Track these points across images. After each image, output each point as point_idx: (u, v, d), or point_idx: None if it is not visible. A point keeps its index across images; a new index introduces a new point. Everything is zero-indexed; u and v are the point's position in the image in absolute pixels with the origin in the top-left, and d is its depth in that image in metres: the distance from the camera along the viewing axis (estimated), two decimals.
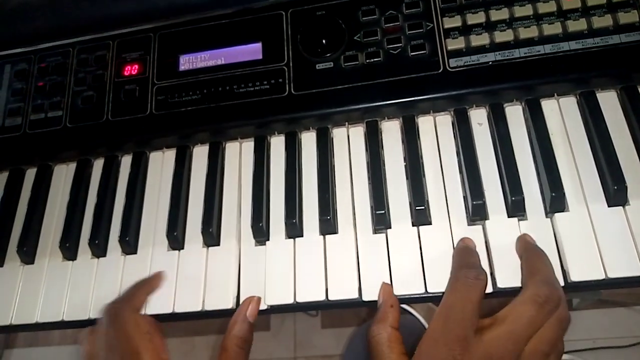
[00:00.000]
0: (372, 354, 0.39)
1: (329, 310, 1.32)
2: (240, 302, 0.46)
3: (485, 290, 0.38)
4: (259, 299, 0.45)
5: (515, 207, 0.44)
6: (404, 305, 0.67)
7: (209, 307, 0.46)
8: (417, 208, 0.45)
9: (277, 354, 1.32)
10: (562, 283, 0.41)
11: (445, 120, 0.50)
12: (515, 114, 0.49)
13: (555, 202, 0.43)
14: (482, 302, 0.38)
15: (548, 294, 0.36)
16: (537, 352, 0.36)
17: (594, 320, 1.22)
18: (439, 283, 0.42)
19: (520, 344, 0.35)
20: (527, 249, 0.42)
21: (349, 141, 0.51)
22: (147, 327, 0.44)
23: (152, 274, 0.49)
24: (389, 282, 0.43)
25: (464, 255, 0.41)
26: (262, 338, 1.34)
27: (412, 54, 0.50)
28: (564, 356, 0.47)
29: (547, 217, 0.44)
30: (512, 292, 0.41)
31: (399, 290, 0.43)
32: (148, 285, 0.48)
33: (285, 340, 1.33)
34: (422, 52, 0.50)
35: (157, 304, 0.47)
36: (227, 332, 0.43)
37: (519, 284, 0.41)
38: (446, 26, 0.50)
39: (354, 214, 0.47)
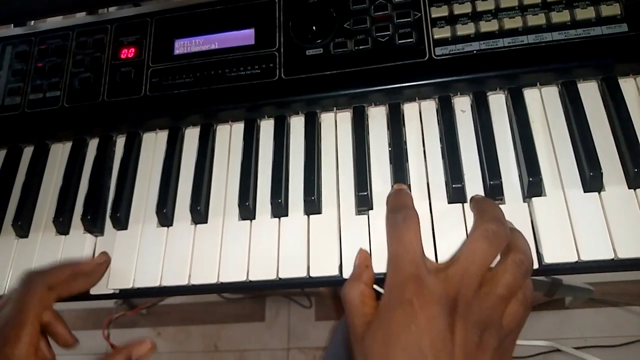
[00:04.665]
0: (346, 310, 0.39)
1: (323, 303, 1.34)
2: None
3: (418, 226, 0.40)
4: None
5: (493, 191, 0.45)
6: None
7: (195, 281, 0.47)
8: None
9: (271, 344, 1.33)
10: (536, 265, 0.42)
11: (429, 107, 0.51)
12: (498, 102, 0.50)
13: (533, 186, 0.44)
14: None
15: (495, 228, 0.38)
16: (491, 294, 0.36)
17: (586, 319, 1.23)
18: None
19: (475, 280, 0.36)
20: (477, 200, 0.44)
21: (336, 126, 0.52)
22: (50, 314, 0.43)
23: (95, 258, 0.50)
24: None
25: (393, 200, 0.44)
26: (256, 329, 1.35)
27: (399, 42, 0.51)
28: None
29: (524, 201, 0.45)
30: None
31: (378, 268, 0.44)
32: (77, 267, 0.47)
33: (279, 331, 1.34)
34: (409, 40, 0.51)
35: (146, 277, 0.48)
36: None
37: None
38: (433, 15, 0.51)
39: (338, 195, 0.49)
